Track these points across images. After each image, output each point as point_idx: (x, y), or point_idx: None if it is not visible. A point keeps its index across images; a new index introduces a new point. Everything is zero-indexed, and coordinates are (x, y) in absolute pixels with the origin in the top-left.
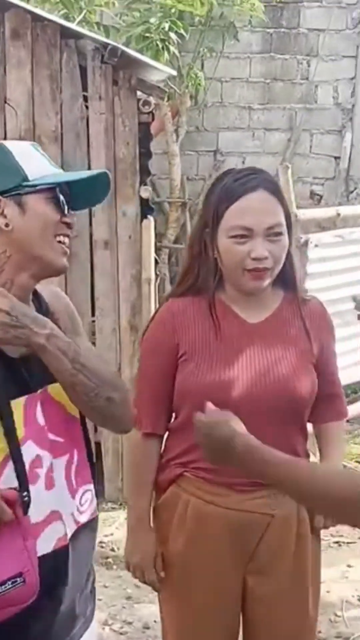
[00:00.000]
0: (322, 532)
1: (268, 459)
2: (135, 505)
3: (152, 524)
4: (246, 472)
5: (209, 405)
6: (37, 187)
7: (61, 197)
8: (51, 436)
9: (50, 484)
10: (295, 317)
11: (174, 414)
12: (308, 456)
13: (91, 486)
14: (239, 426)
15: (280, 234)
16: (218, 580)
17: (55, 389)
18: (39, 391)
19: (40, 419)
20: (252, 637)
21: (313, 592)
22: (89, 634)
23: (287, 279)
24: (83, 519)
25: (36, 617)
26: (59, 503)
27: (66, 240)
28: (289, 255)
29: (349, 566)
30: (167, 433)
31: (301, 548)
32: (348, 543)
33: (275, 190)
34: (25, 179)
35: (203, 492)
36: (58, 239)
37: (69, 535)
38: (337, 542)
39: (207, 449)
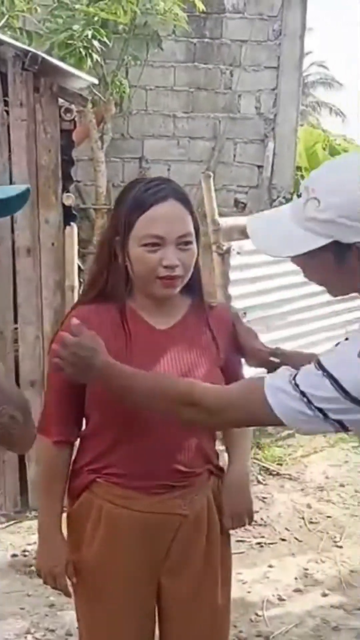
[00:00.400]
0: (245, 534)
1: (122, 372)
2: (46, 512)
3: (63, 531)
4: (106, 387)
5: (75, 321)
6: None
7: None
8: None
9: None
10: (201, 324)
11: (84, 421)
12: (217, 456)
13: None
14: (101, 347)
15: (190, 242)
16: (133, 583)
17: None
18: None
19: None
20: (167, 635)
21: (224, 591)
22: None
23: (193, 286)
24: None
25: None
26: None
27: None
28: (196, 263)
29: (270, 566)
30: (78, 440)
31: (211, 547)
32: (269, 544)
33: (184, 200)
34: None
35: (115, 497)
36: None
37: None
38: (258, 544)
39: (69, 365)
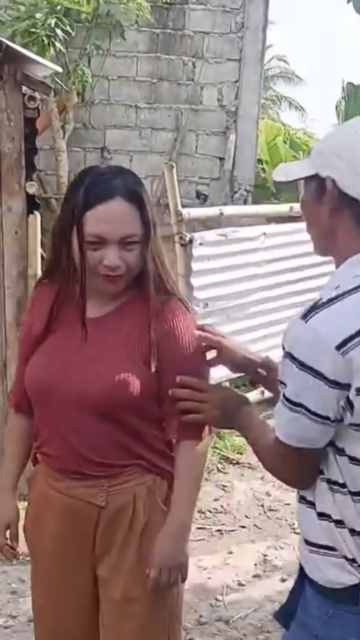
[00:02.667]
0: (205, 522)
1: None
2: (3, 474)
3: (15, 494)
4: (244, 433)
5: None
6: None
7: None
8: None
9: None
10: (139, 315)
11: None
12: (158, 466)
13: None
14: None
15: (134, 242)
16: (64, 563)
17: None
18: None
19: None
20: (102, 627)
21: (141, 587)
22: None
23: (140, 278)
24: None
25: None
26: None
27: None
28: (153, 256)
29: (230, 553)
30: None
31: (142, 547)
32: (229, 531)
33: (134, 197)
34: None
35: (45, 474)
36: None
37: None
38: (219, 531)
39: (214, 409)
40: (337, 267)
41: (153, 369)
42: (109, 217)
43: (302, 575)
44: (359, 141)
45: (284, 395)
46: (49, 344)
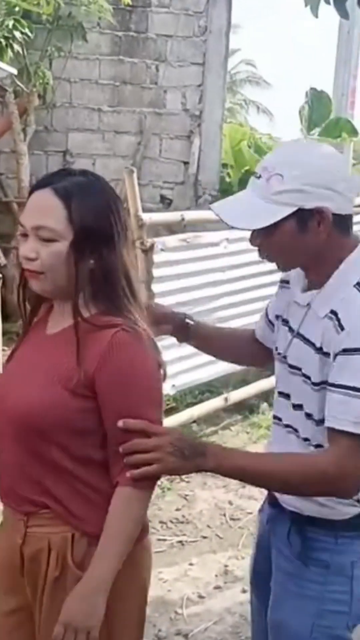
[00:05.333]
0: (166, 532)
1: (238, 455)
2: None
3: None
4: (216, 469)
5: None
6: None
7: None
8: None
9: None
10: (71, 338)
11: None
12: (72, 515)
13: None
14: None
15: (50, 240)
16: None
17: None
18: None
19: None
20: None
21: None
22: None
23: (75, 292)
24: None
25: None
26: None
27: None
28: (114, 272)
29: (190, 564)
30: None
31: (49, 592)
32: (191, 542)
33: (66, 195)
34: None
35: None
36: None
37: None
38: (180, 542)
39: (169, 455)
40: (327, 271)
41: (85, 402)
42: (30, 205)
43: (277, 526)
44: (336, 167)
45: (349, 387)
46: (10, 362)
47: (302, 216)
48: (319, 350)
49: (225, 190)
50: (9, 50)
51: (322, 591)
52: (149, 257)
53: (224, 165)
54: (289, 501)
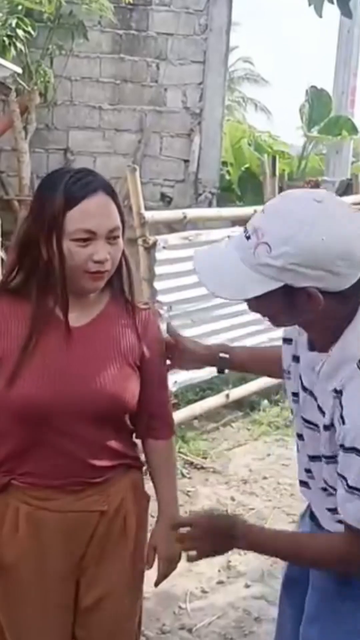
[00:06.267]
0: None
1: (263, 537)
2: None
3: None
4: (252, 549)
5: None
6: None
7: None
8: None
9: None
10: (123, 321)
11: None
12: (137, 459)
13: None
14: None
15: (118, 237)
16: (53, 583)
17: None
18: None
19: None
20: (81, 627)
21: (132, 594)
22: None
23: (113, 281)
24: None
25: None
26: None
27: None
28: (124, 257)
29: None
30: None
31: (125, 539)
32: None
33: (112, 193)
34: None
35: (32, 498)
36: None
37: None
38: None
39: (206, 544)
40: (328, 338)
41: (138, 371)
42: (97, 210)
43: None
44: (332, 248)
45: (349, 486)
46: (38, 361)
47: (289, 292)
48: (328, 427)
49: (225, 188)
50: (12, 49)
51: (357, 611)
52: (151, 255)
53: (224, 163)
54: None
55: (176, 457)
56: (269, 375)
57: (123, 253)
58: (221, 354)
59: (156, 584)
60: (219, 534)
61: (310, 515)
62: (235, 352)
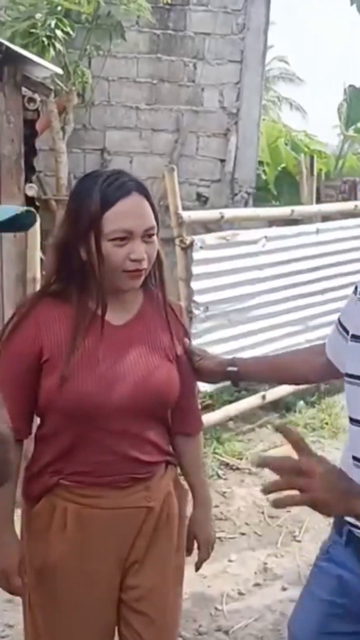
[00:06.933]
0: None
1: None
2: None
3: (14, 530)
4: None
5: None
6: None
7: None
8: None
9: None
10: (159, 317)
11: (39, 420)
12: (173, 455)
13: None
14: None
15: (153, 235)
16: (99, 581)
17: None
18: None
19: None
20: (124, 628)
21: (177, 589)
22: None
23: (153, 279)
24: None
25: None
26: None
27: None
28: (159, 255)
29: (230, 561)
30: (33, 440)
31: (169, 534)
32: (229, 538)
33: (146, 193)
34: None
35: (81, 497)
36: None
37: None
38: (218, 538)
39: (331, 499)
40: None
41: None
42: (133, 210)
43: None
44: None
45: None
46: (85, 360)
47: None
48: None
49: (262, 188)
50: (51, 49)
51: None
52: (188, 255)
53: (260, 163)
54: None
55: (210, 456)
56: (280, 382)
57: (158, 252)
58: (229, 368)
59: (197, 569)
60: (342, 486)
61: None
62: (243, 364)
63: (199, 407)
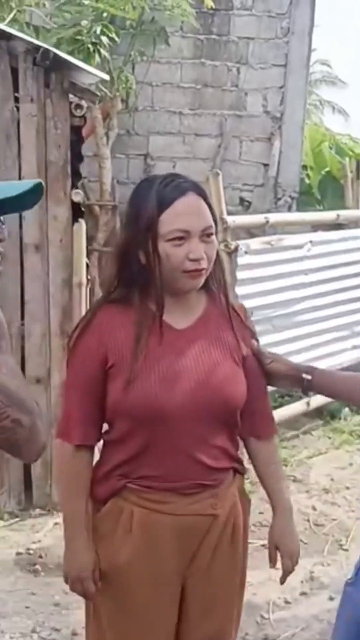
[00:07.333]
0: (250, 536)
1: None
2: (71, 518)
3: (89, 535)
4: None
5: None
6: None
7: None
8: None
9: None
10: (223, 320)
11: (106, 425)
12: (242, 463)
13: None
14: None
15: (212, 234)
16: (160, 588)
17: None
18: None
19: None
20: (181, 635)
21: (239, 597)
22: None
23: (215, 280)
24: None
25: None
26: None
27: None
28: (218, 256)
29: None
30: (101, 444)
31: (235, 548)
32: None
33: (203, 193)
34: None
35: (147, 501)
36: None
37: None
38: (263, 545)
39: None
40: None
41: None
42: (189, 210)
43: None
44: None
45: None
46: (149, 364)
47: None
48: None
49: (306, 193)
50: (97, 56)
51: None
52: (233, 260)
53: (304, 167)
54: None
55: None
56: (353, 403)
57: (217, 252)
58: (304, 375)
59: (281, 582)
60: None
61: None
62: (319, 374)
63: (271, 409)
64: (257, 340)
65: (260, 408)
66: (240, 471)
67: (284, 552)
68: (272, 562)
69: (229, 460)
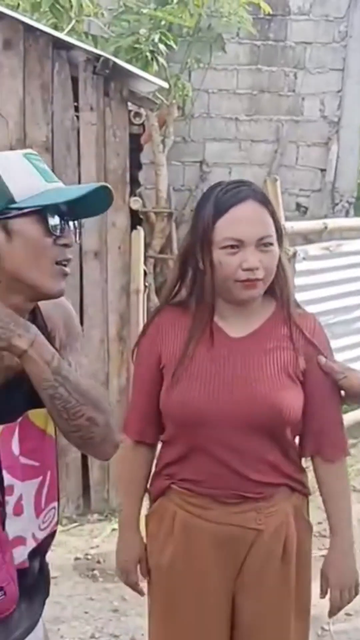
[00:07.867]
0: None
1: None
2: (124, 510)
3: (140, 530)
4: None
5: None
6: (24, 210)
7: (51, 220)
8: (25, 461)
9: (18, 511)
10: (284, 329)
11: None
12: (301, 473)
13: (56, 503)
14: None
15: (270, 244)
16: (205, 596)
17: (35, 414)
18: (17, 420)
19: (15, 448)
20: None
21: (298, 624)
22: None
23: (277, 291)
24: (42, 535)
25: None
26: (24, 529)
27: (65, 262)
28: (281, 266)
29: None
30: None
31: (288, 568)
32: None
33: (264, 201)
34: (12, 200)
35: (189, 505)
36: (55, 263)
37: (27, 555)
38: (322, 556)
39: None
40: None
41: (300, 385)
42: (244, 218)
43: None
44: None
45: None
46: (195, 368)
47: None
48: None
49: None
50: (154, 64)
51: None
52: (291, 266)
53: None
54: None
55: (310, 471)
56: None
57: (280, 262)
58: None
59: (329, 615)
60: None
61: None
62: None
63: (342, 431)
64: (325, 356)
65: (327, 427)
66: (298, 490)
67: (333, 585)
68: (321, 593)
69: (280, 476)
